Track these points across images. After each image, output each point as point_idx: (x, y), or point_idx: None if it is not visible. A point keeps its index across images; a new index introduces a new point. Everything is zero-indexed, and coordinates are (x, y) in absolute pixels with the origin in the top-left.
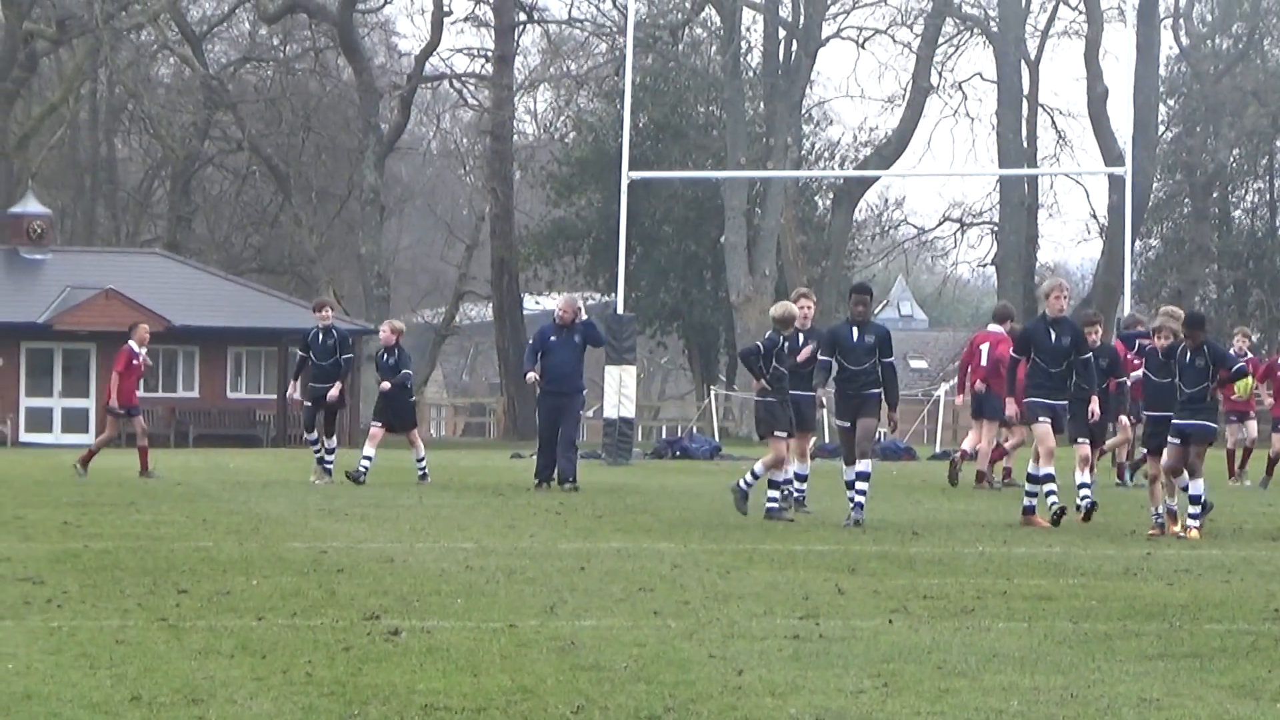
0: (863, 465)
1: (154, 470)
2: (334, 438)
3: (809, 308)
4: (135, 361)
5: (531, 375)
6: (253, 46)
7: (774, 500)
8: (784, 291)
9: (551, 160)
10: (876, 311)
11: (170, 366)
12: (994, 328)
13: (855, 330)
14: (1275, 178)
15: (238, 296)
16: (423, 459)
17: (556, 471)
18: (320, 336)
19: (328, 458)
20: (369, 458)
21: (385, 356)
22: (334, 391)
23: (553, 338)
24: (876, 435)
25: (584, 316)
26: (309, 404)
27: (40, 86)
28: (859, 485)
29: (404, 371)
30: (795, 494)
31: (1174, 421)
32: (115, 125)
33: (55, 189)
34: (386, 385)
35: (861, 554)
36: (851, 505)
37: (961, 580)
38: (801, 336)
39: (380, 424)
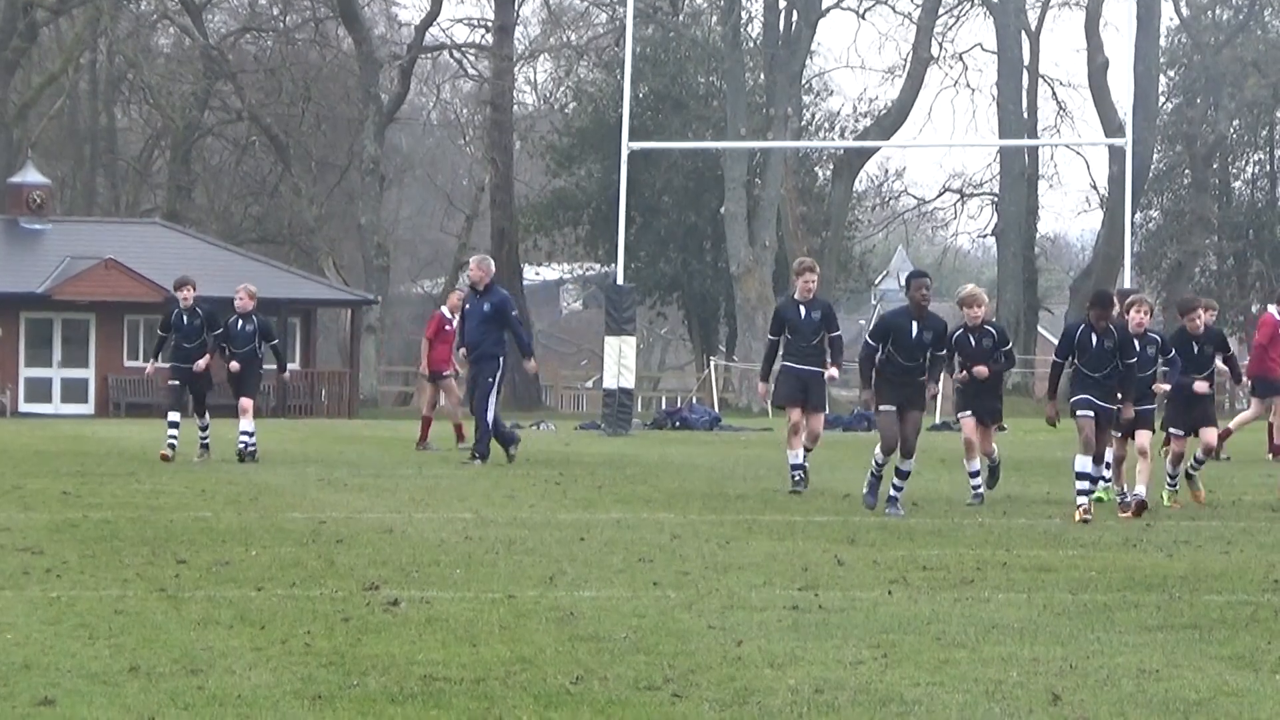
0: (907, 464)
1: (431, 443)
2: (206, 414)
3: (812, 280)
4: (447, 327)
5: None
6: (253, 16)
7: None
8: (784, 262)
9: (551, 130)
10: (876, 281)
11: None
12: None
13: (915, 325)
14: (1275, 149)
15: (237, 266)
16: (251, 433)
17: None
18: (185, 317)
19: (203, 435)
20: (247, 431)
21: (241, 324)
22: (201, 362)
23: (468, 305)
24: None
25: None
26: (176, 383)
27: (40, 56)
28: (899, 482)
29: (274, 343)
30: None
31: (1086, 398)
32: (115, 95)
33: (55, 159)
34: (236, 366)
35: (861, 525)
36: (891, 501)
37: (961, 551)
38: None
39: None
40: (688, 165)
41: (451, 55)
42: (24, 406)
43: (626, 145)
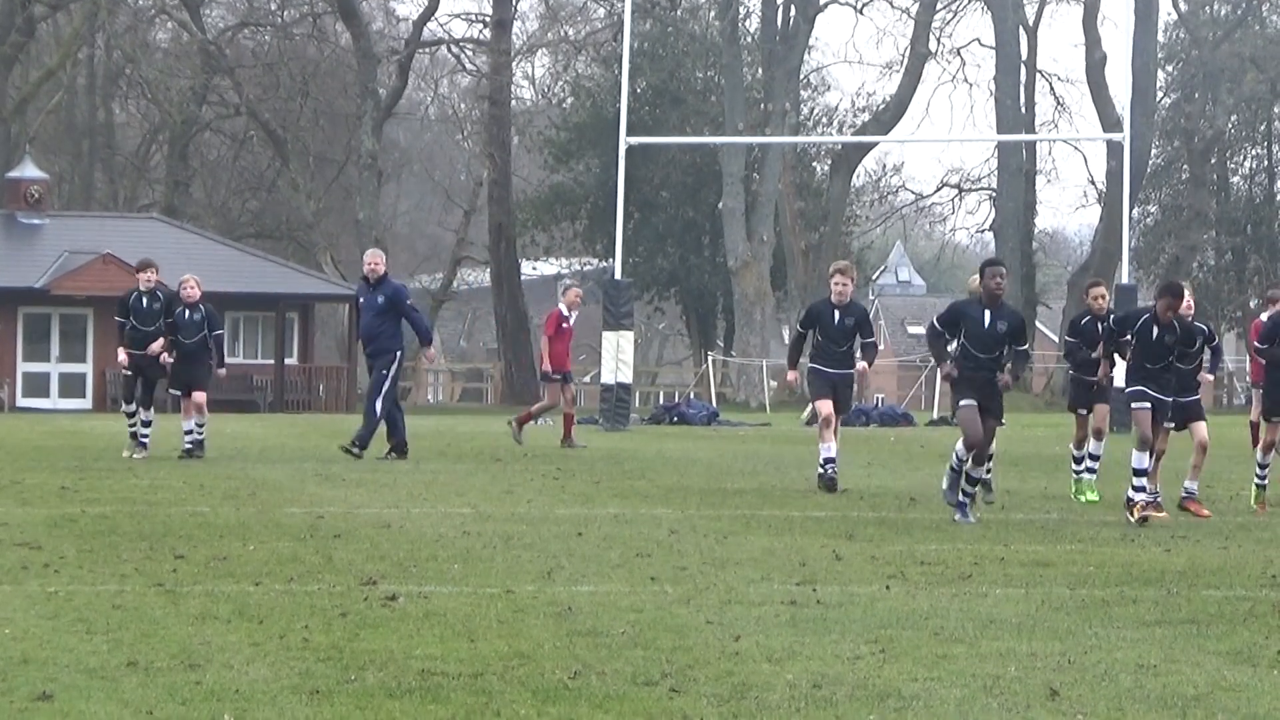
0: (979, 470)
1: (576, 440)
2: (151, 409)
3: (844, 284)
4: (565, 325)
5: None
6: (250, 11)
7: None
8: (781, 257)
9: (549, 125)
10: (874, 277)
11: None
12: None
13: (988, 314)
14: (1273, 144)
15: (235, 261)
16: (203, 426)
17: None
18: (144, 300)
19: (144, 430)
20: (199, 425)
21: (188, 313)
22: (156, 345)
23: (361, 299)
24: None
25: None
26: (129, 372)
27: (38, 51)
28: (969, 488)
29: (217, 332)
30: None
31: (1143, 390)
32: (113, 90)
33: (53, 154)
34: (167, 354)
35: (859, 520)
36: (961, 508)
37: (959, 546)
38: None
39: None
40: (686, 160)
41: (449, 50)
42: (22, 401)
43: (624, 140)
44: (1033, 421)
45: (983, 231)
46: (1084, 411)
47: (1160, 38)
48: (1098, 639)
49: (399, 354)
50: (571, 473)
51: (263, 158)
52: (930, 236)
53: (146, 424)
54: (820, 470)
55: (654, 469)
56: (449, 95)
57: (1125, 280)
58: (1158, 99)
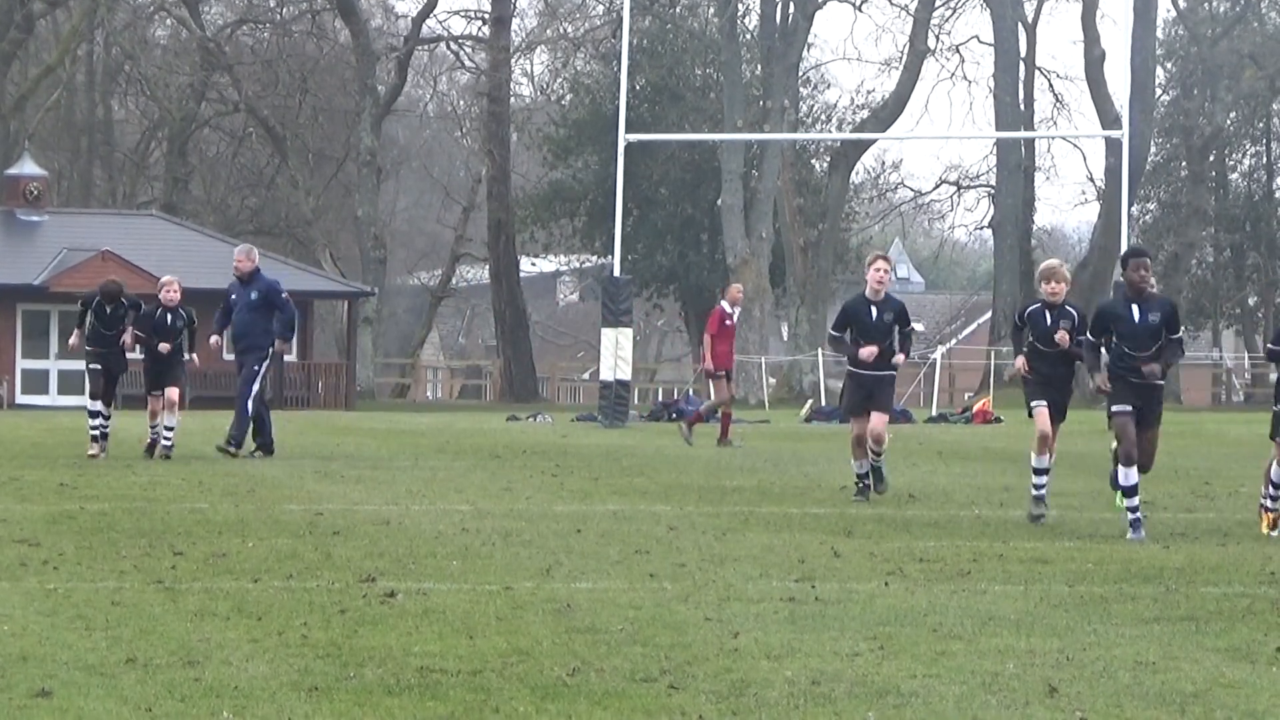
0: (1134, 474)
1: (733, 439)
2: (111, 405)
3: (885, 270)
4: (728, 322)
5: (214, 339)
6: (249, 8)
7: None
8: (780, 254)
9: (548, 122)
10: None
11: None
12: None
13: (1136, 308)
14: (1272, 141)
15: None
16: (173, 428)
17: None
18: (107, 307)
19: (105, 425)
20: (170, 427)
21: (169, 318)
22: (127, 338)
23: (234, 296)
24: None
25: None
26: (96, 366)
27: (37, 48)
28: (1133, 501)
29: (192, 327)
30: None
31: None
32: (112, 87)
33: (52, 150)
34: (166, 346)
35: (857, 517)
36: (1131, 521)
37: (958, 543)
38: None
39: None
40: (685, 157)
41: (448, 47)
42: (21, 398)
43: (623, 137)
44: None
45: (981, 228)
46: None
47: (1159, 34)
48: (1096, 636)
49: (270, 351)
50: (570, 470)
51: (262, 155)
52: (929, 233)
53: (107, 418)
54: (856, 484)
55: (652, 466)
56: (448, 92)
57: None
58: (1156, 96)
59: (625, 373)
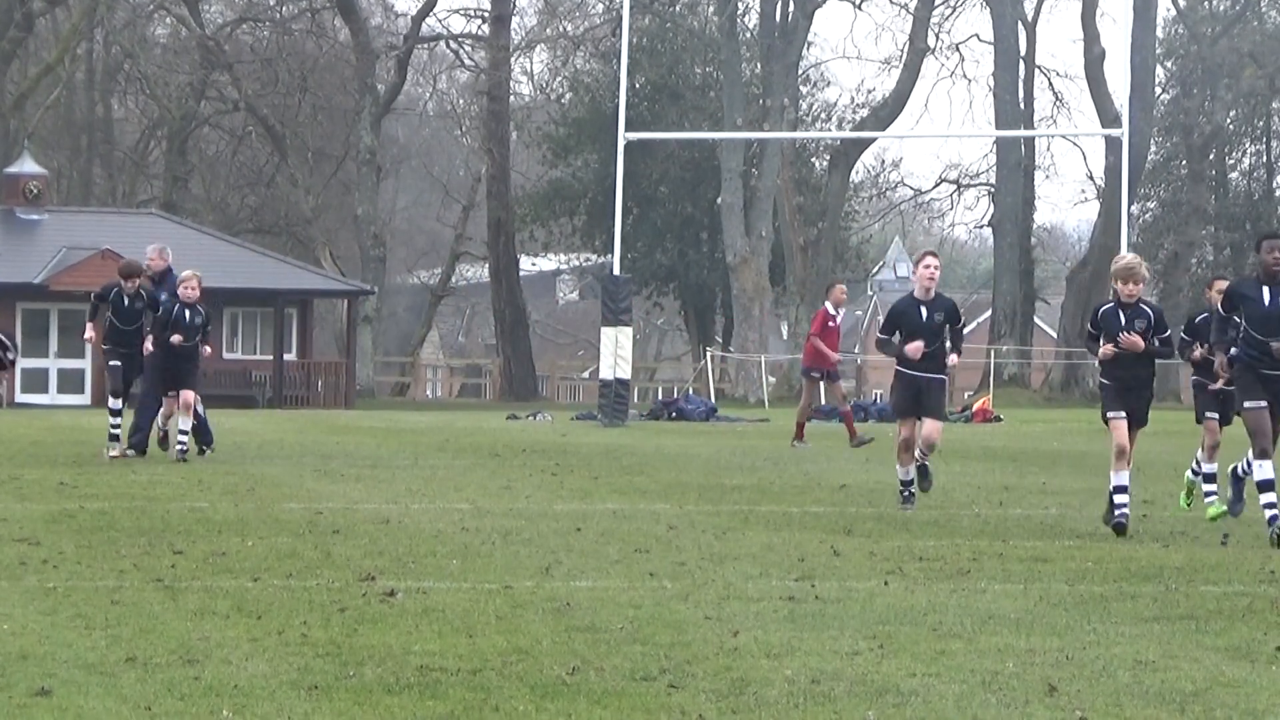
0: (1270, 468)
1: (863, 436)
2: (122, 403)
3: (934, 268)
4: (832, 323)
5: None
6: (249, 6)
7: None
8: (780, 253)
9: (548, 121)
10: (873, 272)
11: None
12: None
13: (1267, 291)
14: (1272, 139)
15: (234, 257)
16: (187, 432)
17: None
18: (127, 299)
19: (116, 422)
20: (185, 431)
21: (188, 315)
22: (148, 345)
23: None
24: None
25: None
26: (117, 363)
27: (36, 46)
28: (1269, 496)
29: (208, 328)
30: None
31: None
32: (111, 85)
33: (51, 149)
34: (178, 338)
35: (857, 516)
36: (1270, 517)
37: (957, 542)
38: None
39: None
40: (684, 156)
41: (448, 46)
42: (20, 397)
43: (623, 135)
44: (1030, 417)
45: (981, 227)
46: (1214, 416)
47: (1159, 33)
48: (1096, 635)
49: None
50: (570, 468)
51: (261, 153)
52: (929, 232)
53: (117, 413)
54: (900, 491)
55: (652, 465)
56: (447, 91)
57: None
58: (1156, 94)
59: (625, 371)
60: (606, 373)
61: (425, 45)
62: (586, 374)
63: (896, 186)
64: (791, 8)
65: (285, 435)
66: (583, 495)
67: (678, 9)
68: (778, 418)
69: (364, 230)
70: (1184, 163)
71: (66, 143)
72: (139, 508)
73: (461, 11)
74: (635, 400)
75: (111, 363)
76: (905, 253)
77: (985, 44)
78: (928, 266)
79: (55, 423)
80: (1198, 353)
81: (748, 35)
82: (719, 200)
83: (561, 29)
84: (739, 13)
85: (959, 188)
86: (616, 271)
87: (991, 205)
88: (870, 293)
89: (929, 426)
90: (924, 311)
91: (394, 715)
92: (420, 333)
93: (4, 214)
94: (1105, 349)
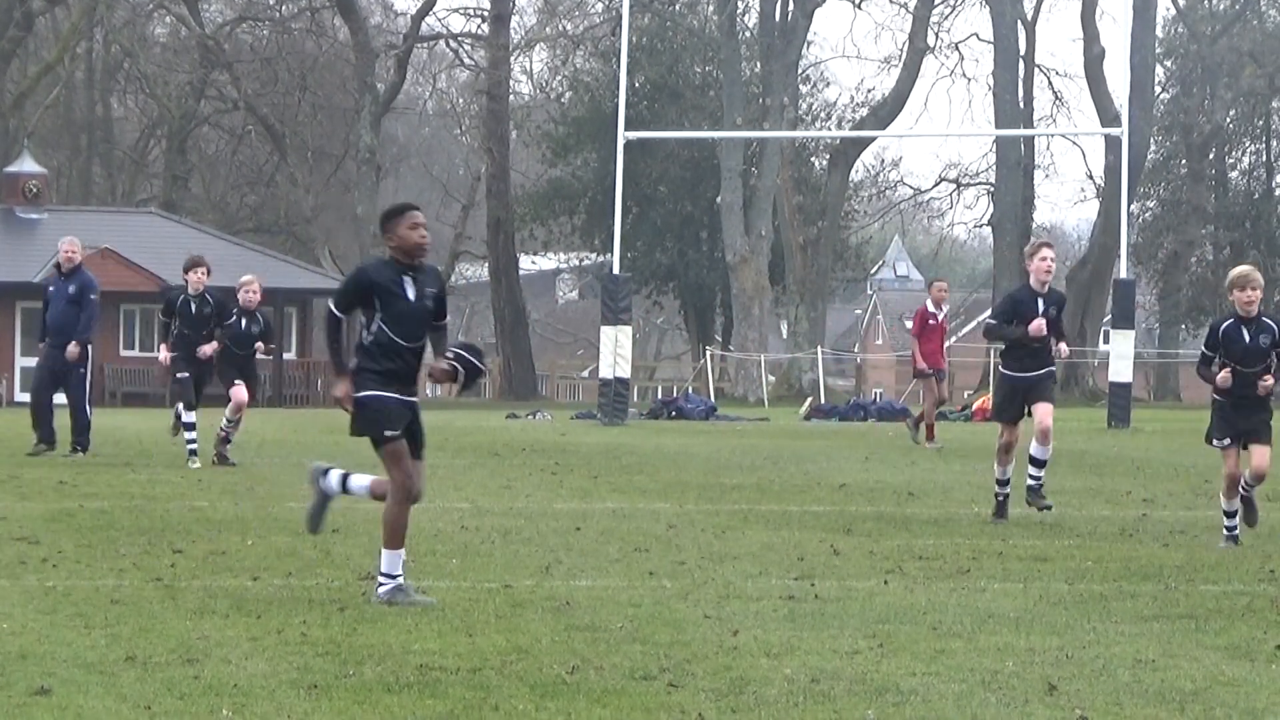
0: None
1: (937, 441)
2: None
3: (1050, 259)
4: (931, 321)
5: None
6: (249, 6)
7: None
8: (779, 252)
9: (548, 120)
10: (873, 271)
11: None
12: None
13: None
14: (1272, 139)
15: (233, 256)
16: (236, 425)
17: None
18: (194, 305)
19: (191, 436)
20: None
21: (245, 323)
22: (207, 349)
23: (51, 288)
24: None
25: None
26: (185, 375)
27: (36, 46)
28: None
29: (271, 346)
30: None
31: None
32: (111, 84)
33: (51, 148)
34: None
35: (857, 515)
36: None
37: (957, 541)
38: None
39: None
40: (684, 155)
41: (448, 45)
42: (20, 396)
43: (622, 135)
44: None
45: (981, 226)
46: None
47: (1159, 32)
48: (1096, 634)
49: (89, 347)
50: (569, 468)
51: (261, 152)
52: (928, 231)
53: (191, 426)
54: (996, 496)
55: (652, 464)
56: (447, 90)
57: (1124, 275)
58: (1156, 94)
59: (625, 370)
60: (606, 372)
61: (425, 44)
62: (586, 373)
63: (896, 186)
64: (791, 7)
65: (285, 435)
66: (582, 494)
67: (677, 8)
68: (777, 417)
69: (363, 229)
70: (1184, 162)
71: (66, 142)
72: (138, 507)
73: (461, 10)
74: (635, 399)
75: (181, 374)
76: (905, 252)
77: (985, 43)
78: (1045, 259)
79: (55, 422)
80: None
81: (747, 34)
82: (718, 199)
83: (561, 28)
84: (739, 12)
85: (959, 187)
86: (616, 270)
87: (991, 204)
88: (869, 292)
89: (1044, 415)
90: (1040, 304)
91: (394, 714)
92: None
93: (4, 213)
94: (1224, 376)
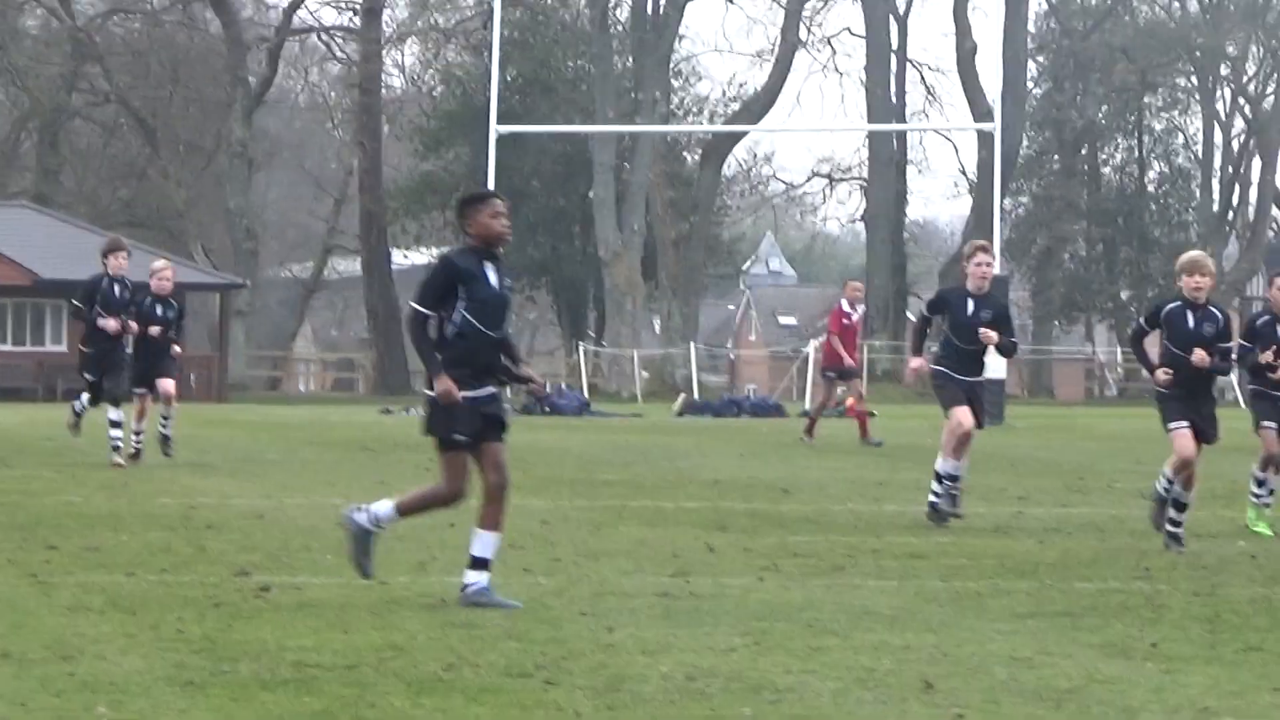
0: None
1: (874, 438)
2: (120, 406)
3: (989, 264)
4: (846, 321)
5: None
6: None
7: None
8: (652, 247)
9: (420, 114)
10: (745, 267)
11: (38, 320)
12: None
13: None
14: (1144, 134)
15: None
16: (169, 420)
17: None
18: (115, 288)
19: (115, 434)
20: (167, 418)
21: (160, 309)
22: (112, 323)
23: None
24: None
25: None
26: (90, 377)
27: None
28: None
29: (182, 321)
30: None
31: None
32: None
33: None
34: (156, 330)
35: (731, 511)
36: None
37: (832, 538)
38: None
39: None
40: (556, 149)
41: (319, 38)
42: None
43: (494, 129)
44: (904, 412)
45: (854, 221)
46: (1271, 426)
47: (1031, 27)
48: (972, 631)
49: None
50: None
51: (133, 146)
52: (801, 226)
53: (117, 424)
54: (932, 492)
55: (526, 460)
56: (319, 83)
57: (997, 271)
58: (1029, 89)
59: None
60: None
61: (297, 37)
62: None
63: (769, 181)
64: (663, 1)
65: (158, 429)
66: None
67: (549, 2)
68: (651, 412)
69: (236, 223)
70: (1056, 157)
71: None
72: (13, 503)
73: (333, 4)
74: (508, 395)
75: (86, 376)
76: (777, 247)
77: (857, 38)
78: (981, 264)
79: None
80: (1268, 355)
81: (619, 28)
82: (591, 194)
83: (433, 21)
84: (610, 6)
85: (831, 182)
86: None
87: (864, 200)
88: (743, 288)
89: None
90: (971, 305)
91: (269, 711)
92: (293, 327)
93: None
94: (1161, 377)
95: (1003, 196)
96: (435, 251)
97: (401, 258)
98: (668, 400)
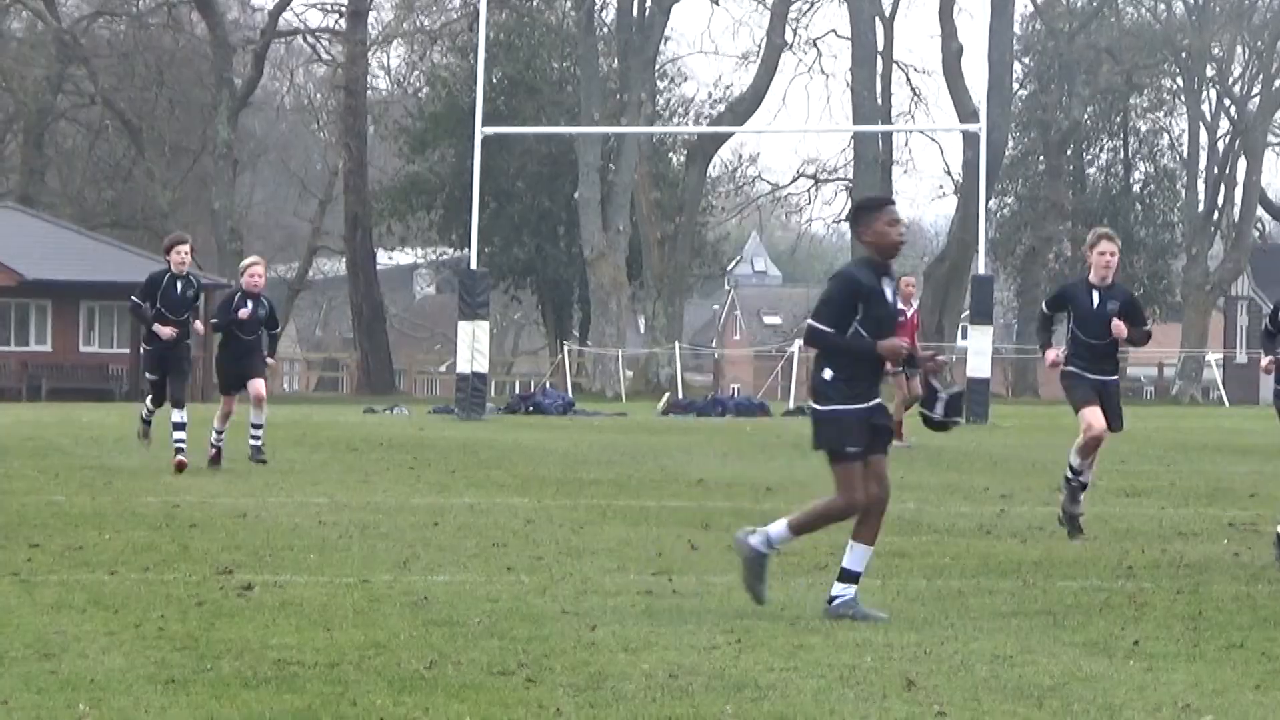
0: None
1: (910, 440)
2: (184, 408)
3: (1114, 254)
4: (900, 319)
5: (167, 333)
6: (106, 0)
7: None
8: (637, 247)
9: (405, 115)
10: (730, 267)
11: (23, 320)
12: None
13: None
14: (1129, 135)
15: (91, 250)
16: (261, 427)
17: None
18: (179, 285)
19: (180, 435)
20: (258, 425)
21: (251, 306)
22: (168, 330)
23: None
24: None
25: None
26: (153, 377)
27: None
28: None
29: (275, 331)
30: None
31: None
32: None
33: None
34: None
35: (714, 510)
36: None
37: (815, 537)
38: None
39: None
40: (541, 150)
41: (305, 40)
42: None
43: (480, 130)
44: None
45: (839, 222)
46: None
47: (1016, 29)
48: (954, 630)
49: None
50: (427, 462)
51: (118, 147)
52: (786, 227)
53: (180, 425)
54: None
55: (510, 459)
56: (304, 85)
57: (982, 271)
58: (1014, 90)
59: (482, 365)
60: (464, 367)
61: (282, 39)
62: (444, 368)
63: (754, 181)
64: (648, 2)
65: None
66: (440, 489)
67: (535, 4)
68: (635, 412)
69: (221, 224)
70: (1041, 158)
71: None
72: None
73: (318, 6)
74: (492, 394)
75: (150, 377)
76: (763, 247)
77: (843, 39)
78: (1105, 252)
79: None
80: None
81: (605, 30)
82: (576, 195)
83: (418, 23)
84: (596, 7)
85: (816, 183)
86: (474, 266)
87: (849, 200)
88: (727, 287)
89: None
90: (1096, 297)
91: (251, 709)
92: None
93: None
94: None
95: (988, 197)
96: (421, 252)
97: (386, 259)
98: (652, 399)
